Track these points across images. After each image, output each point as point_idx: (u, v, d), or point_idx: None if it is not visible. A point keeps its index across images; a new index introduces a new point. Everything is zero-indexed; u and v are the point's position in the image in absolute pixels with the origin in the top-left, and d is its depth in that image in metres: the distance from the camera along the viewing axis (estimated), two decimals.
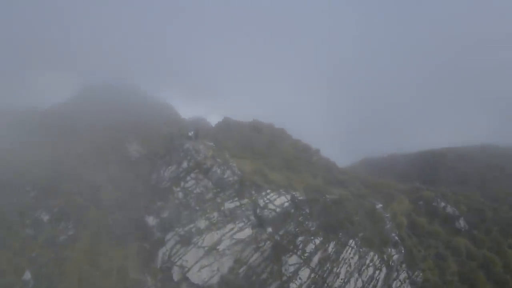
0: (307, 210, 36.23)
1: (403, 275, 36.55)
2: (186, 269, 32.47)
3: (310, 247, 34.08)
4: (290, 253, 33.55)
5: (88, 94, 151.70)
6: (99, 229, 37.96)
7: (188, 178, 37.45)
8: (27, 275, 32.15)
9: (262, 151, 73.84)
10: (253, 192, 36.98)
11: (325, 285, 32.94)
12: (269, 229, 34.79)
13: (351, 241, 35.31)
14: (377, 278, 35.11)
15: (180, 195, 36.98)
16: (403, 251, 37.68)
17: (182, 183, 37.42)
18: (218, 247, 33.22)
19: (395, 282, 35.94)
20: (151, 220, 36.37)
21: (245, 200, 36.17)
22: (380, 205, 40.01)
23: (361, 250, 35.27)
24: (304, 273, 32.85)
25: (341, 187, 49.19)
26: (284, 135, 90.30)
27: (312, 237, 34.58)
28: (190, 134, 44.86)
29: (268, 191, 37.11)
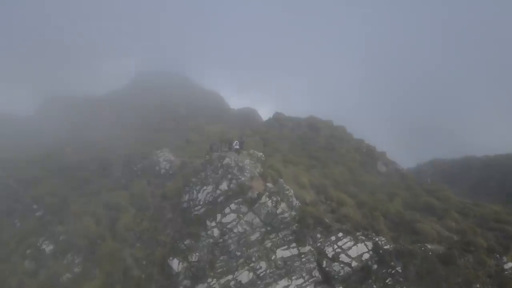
0: (399, 268, 24.27)
1: None
2: None
3: None
4: None
5: (140, 81, 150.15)
6: (113, 267, 29.01)
7: (227, 209, 27.01)
8: None
9: (320, 156, 62.25)
10: (318, 235, 25.69)
11: None
12: None
13: None
14: None
15: (216, 232, 26.74)
16: None
17: (218, 216, 27.10)
18: None
19: None
20: (176, 264, 26.59)
21: (307, 248, 25.07)
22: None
23: None
24: None
25: (432, 216, 36.66)
26: (345, 135, 77.61)
27: None
28: (234, 144, 34.37)
29: (340, 235, 25.60)
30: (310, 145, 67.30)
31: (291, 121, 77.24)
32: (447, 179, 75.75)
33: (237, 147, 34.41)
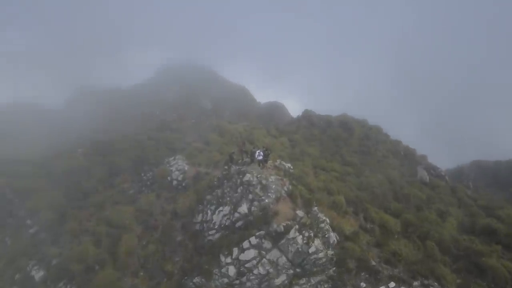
0: None
1: None
2: None
3: None
4: None
5: (166, 73, 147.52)
6: None
7: (246, 243, 21.49)
8: None
9: (354, 161, 55.82)
10: (362, 285, 19.79)
11: None
12: None
13: None
14: None
15: (232, 271, 21.33)
16: None
17: (235, 251, 21.65)
18: None
19: None
20: None
21: None
22: None
23: None
24: None
25: (496, 242, 30.31)
26: (380, 135, 70.53)
27: None
28: (257, 155, 28.71)
29: (392, 285, 19.62)
30: (343, 148, 60.81)
31: (321, 120, 70.72)
32: (491, 183, 67.88)
33: (260, 158, 28.79)
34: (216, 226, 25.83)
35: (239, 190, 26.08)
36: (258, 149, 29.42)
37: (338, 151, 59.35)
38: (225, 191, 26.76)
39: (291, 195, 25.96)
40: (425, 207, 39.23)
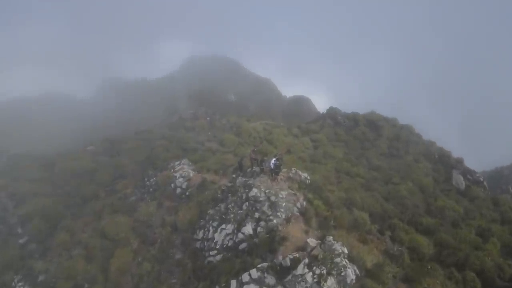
0: None
1: None
2: None
3: None
4: None
5: (192, 65, 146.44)
6: None
7: (246, 276, 17.90)
8: None
9: (382, 165, 51.08)
10: None
11: None
12: None
13: None
14: None
15: None
16: None
17: (233, 284, 18.16)
18: None
19: None
20: None
21: None
22: None
23: None
24: None
25: None
26: (412, 136, 64.94)
27: None
28: (272, 161, 25.03)
29: None
30: (370, 150, 55.99)
31: (347, 118, 65.89)
32: None
33: (272, 166, 25.15)
34: (218, 246, 22.55)
35: (244, 207, 22.62)
36: (271, 158, 25.76)
37: (364, 153, 54.63)
38: (229, 206, 23.37)
39: (304, 214, 22.27)
40: (462, 224, 34.48)
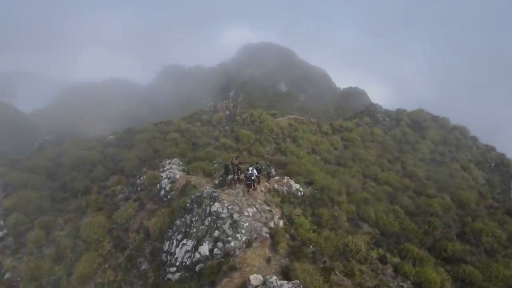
0: None
1: None
2: None
3: None
4: None
5: (246, 53, 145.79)
6: None
7: None
8: None
9: (421, 173, 44.99)
10: None
11: None
12: None
13: None
14: None
15: None
16: None
17: None
18: None
19: None
20: None
21: None
22: None
23: None
24: None
25: None
26: (464, 139, 57.11)
27: None
28: (249, 171, 21.69)
29: None
30: (408, 153, 49.65)
31: (388, 116, 59.41)
32: None
33: (253, 176, 21.82)
34: (178, 263, 20.01)
35: (206, 222, 19.73)
36: (251, 167, 22.42)
37: (401, 157, 48.54)
38: (193, 219, 20.60)
39: (275, 235, 18.82)
40: (500, 254, 28.56)
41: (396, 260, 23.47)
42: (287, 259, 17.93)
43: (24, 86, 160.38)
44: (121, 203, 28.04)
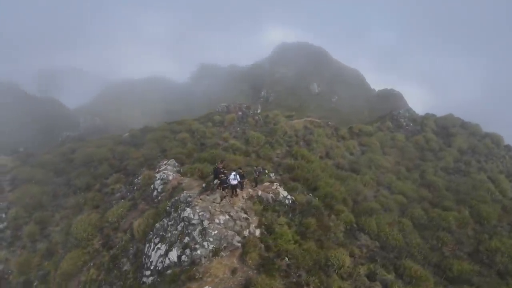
0: None
1: None
2: None
3: None
4: None
5: (280, 53, 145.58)
6: None
7: None
8: None
9: (439, 182, 42.26)
10: None
11: None
12: None
13: None
14: None
15: None
16: None
17: None
18: None
19: None
20: None
21: None
22: None
23: None
24: None
25: None
26: (498, 148, 53.13)
27: None
28: (231, 177, 21.05)
29: None
30: (429, 162, 46.74)
31: (412, 121, 56.37)
32: None
33: (235, 182, 21.14)
34: (152, 267, 19.77)
35: (179, 227, 19.33)
36: (233, 172, 21.72)
37: (421, 165, 45.79)
38: (169, 223, 20.28)
39: (245, 247, 18.05)
40: None
41: (390, 277, 22.01)
42: (255, 271, 17.13)
43: (72, 82, 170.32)
44: (116, 202, 28.29)
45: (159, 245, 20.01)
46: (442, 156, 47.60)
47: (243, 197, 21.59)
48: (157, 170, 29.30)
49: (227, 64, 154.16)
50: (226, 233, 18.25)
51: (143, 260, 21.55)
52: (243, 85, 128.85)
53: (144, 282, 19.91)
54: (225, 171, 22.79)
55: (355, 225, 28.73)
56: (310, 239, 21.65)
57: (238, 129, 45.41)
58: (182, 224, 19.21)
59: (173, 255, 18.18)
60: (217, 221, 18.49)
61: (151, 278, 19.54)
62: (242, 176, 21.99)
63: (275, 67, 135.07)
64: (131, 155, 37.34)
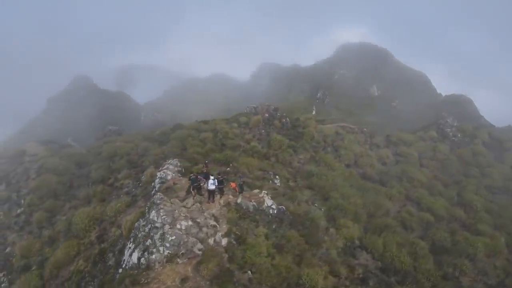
0: None
1: None
2: None
3: None
4: None
5: (342, 54, 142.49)
6: None
7: None
8: None
9: (480, 202, 37.84)
10: None
11: None
12: None
13: None
14: None
15: None
16: None
17: None
18: None
19: None
20: None
21: None
22: None
23: None
24: None
25: None
26: None
27: None
28: (210, 181, 20.60)
29: None
30: (473, 179, 41.68)
31: (460, 131, 50.87)
32: None
33: (212, 187, 20.61)
34: (123, 265, 19.98)
35: (146, 229, 19.24)
36: (212, 176, 21.15)
37: (461, 181, 41.06)
38: (142, 224, 20.30)
39: (204, 255, 17.40)
40: None
41: None
42: (207, 283, 16.42)
43: (147, 78, 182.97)
44: (120, 196, 29.21)
45: (130, 245, 20.14)
46: (489, 173, 42.32)
47: (219, 204, 20.93)
48: (160, 169, 29.70)
49: (289, 63, 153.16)
50: (186, 240, 17.76)
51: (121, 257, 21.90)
52: (304, 86, 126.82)
53: (115, 279, 20.16)
54: (211, 175, 22.28)
55: (357, 242, 26.60)
56: (288, 254, 20.32)
57: (263, 131, 44.60)
58: (150, 226, 19.10)
59: (135, 256, 18.11)
60: (178, 226, 18.08)
61: (117, 275, 19.70)
62: (221, 182, 21.32)
63: (335, 68, 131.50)
64: (152, 151, 38.38)
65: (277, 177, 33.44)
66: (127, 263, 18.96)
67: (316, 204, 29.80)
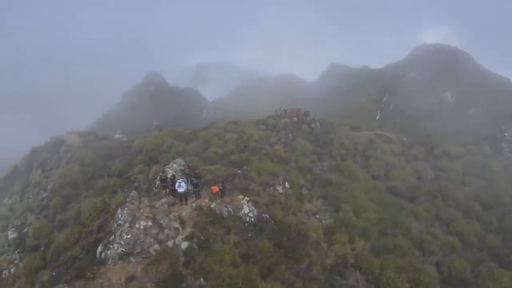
0: None
1: None
2: None
3: None
4: None
5: (415, 56, 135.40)
6: None
7: None
8: None
9: None
10: None
11: None
12: None
13: None
14: None
15: None
16: None
17: None
18: None
19: None
20: None
21: None
22: None
23: None
24: None
25: None
26: None
27: None
28: (178, 183, 20.76)
29: None
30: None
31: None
32: None
33: (181, 190, 20.64)
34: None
35: (115, 225, 19.88)
36: (180, 179, 21.21)
37: (508, 205, 35.84)
38: (115, 220, 21.01)
39: (157, 257, 17.50)
40: None
41: None
42: (153, 285, 16.47)
43: (221, 76, 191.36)
44: (127, 190, 30.59)
45: (113, 237, 20.98)
46: None
47: (191, 206, 20.85)
48: (166, 167, 30.49)
49: (359, 65, 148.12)
50: (143, 239, 17.99)
51: None
52: (372, 89, 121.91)
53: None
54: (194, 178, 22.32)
55: (351, 260, 24.62)
56: (256, 265, 19.54)
57: (290, 135, 43.50)
58: (118, 223, 19.70)
59: (98, 249, 18.83)
60: (137, 225, 18.37)
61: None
62: (196, 185, 21.21)
63: (406, 70, 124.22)
64: (174, 149, 39.60)
65: (286, 183, 32.30)
66: (98, 255, 19.81)
67: (317, 215, 28.29)
